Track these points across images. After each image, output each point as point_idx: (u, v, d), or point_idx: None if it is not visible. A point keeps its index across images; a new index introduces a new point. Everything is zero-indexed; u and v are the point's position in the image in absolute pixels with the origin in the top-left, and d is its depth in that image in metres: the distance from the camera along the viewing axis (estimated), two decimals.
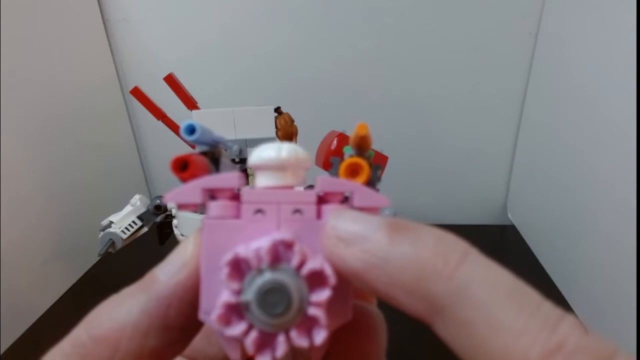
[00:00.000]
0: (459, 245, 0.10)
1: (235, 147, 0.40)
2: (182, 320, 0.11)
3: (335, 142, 0.41)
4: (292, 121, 0.42)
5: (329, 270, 0.11)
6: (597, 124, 0.47)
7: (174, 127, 0.42)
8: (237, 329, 0.10)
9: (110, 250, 0.40)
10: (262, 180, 0.12)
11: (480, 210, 0.76)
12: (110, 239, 0.40)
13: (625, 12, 0.41)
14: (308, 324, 0.11)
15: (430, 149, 0.71)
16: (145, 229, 0.42)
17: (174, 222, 0.40)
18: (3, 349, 0.47)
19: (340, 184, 0.12)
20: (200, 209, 0.12)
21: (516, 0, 0.61)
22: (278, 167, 0.12)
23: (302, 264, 0.11)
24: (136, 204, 0.41)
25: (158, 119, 0.41)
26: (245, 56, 0.66)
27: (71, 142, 0.58)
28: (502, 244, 0.70)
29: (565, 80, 0.54)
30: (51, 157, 0.54)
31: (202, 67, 0.67)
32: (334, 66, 0.66)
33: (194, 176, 0.12)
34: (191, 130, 0.13)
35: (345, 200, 0.12)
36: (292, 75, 0.67)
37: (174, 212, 0.40)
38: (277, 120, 0.41)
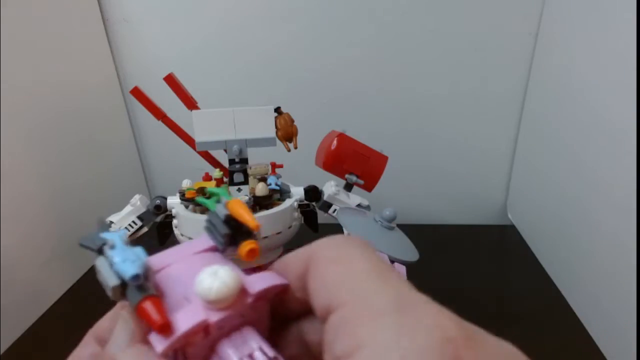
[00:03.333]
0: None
1: (235, 147, 0.40)
2: None
3: (335, 142, 0.41)
4: (292, 121, 0.42)
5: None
6: (597, 123, 0.47)
7: (174, 127, 0.42)
8: None
9: None
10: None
11: (480, 210, 0.76)
12: None
13: (625, 12, 0.41)
14: None
15: (431, 149, 0.71)
16: (145, 229, 0.42)
17: (174, 222, 0.40)
18: (3, 349, 0.47)
19: (267, 284, 0.15)
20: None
21: (516, 0, 0.61)
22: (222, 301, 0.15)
23: None
24: (136, 204, 0.41)
25: (158, 119, 0.41)
26: (246, 56, 0.66)
27: (71, 142, 0.58)
28: (502, 244, 0.70)
29: (565, 80, 0.54)
30: (51, 157, 0.54)
31: (202, 67, 0.67)
32: (335, 66, 0.66)
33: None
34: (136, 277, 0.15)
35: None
36: (292, 75, 0.67)
37: (173, 212, 0.40)
38: (277, 121, 0.41)
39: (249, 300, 0.15)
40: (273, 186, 0.39)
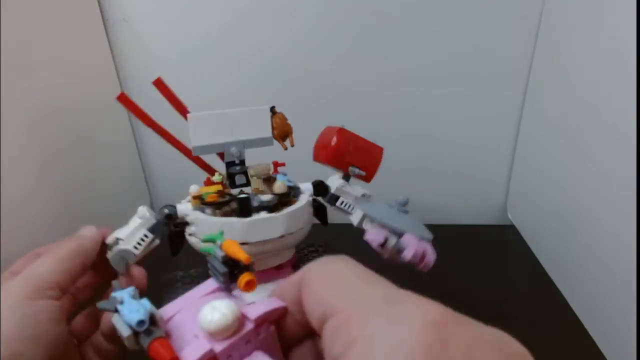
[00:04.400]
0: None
1: (234, 149, 0.39)
2: None
3: (336, 138, 0.41)
4: (286, 120, 0.42)
5: None
6: (597, 123, 0.47)
7: (163, 133, 0.40)
8: None
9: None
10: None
11: (480, 210, 0.76)
12: (123, 257, 0.35)
13: (625, 12, 0.41)
14: None
15: (430, 149, 0.71)
16: (157, 242, 0.37)
17: (190, 229, 0.37)
18: None
19: (265, 309, 0.17)
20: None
21: (516, 0, 0.61)
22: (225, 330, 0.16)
23: None
24: (145, 216, 0.37)
25: (146, 125, 0.39)
26: (246, 56, 0.66)
27: (71, 142, 0.58)
28: (502, 244, 0.70)
29: (565, 80, 0.54)
30: (51, 157, 0.54)
31: (202, 66, 0.67)
32: (335, 66, 0.66)
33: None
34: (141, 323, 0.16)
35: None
36: (292, 74, 0.67)
37: (188, 219, 0.37)
38: (273, 120, 0.41)
39: (250, 325, 0.16)
40: (288, 183, 0.39)
